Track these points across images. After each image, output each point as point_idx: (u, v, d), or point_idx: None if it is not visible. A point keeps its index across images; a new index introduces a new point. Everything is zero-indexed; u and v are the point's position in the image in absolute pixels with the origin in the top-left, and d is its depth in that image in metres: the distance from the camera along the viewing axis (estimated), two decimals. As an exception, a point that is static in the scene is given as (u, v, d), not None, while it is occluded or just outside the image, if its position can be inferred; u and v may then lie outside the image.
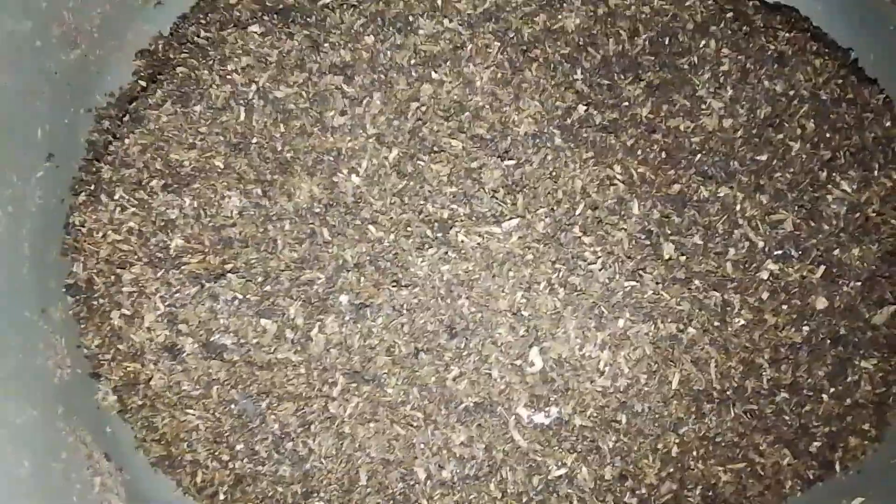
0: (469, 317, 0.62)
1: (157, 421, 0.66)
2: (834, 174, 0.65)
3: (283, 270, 0.64)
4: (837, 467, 0.66)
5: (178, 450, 0.66)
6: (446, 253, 0.63)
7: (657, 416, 0.63)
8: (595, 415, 0.63)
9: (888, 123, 0.66)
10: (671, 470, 0.64)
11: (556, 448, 0.63)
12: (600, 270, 0.62)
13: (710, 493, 0.65)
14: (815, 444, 0.65)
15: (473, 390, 0.62)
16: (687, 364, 0.63)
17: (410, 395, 0.62)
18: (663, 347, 0.63)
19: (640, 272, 0.63)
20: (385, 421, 0.62)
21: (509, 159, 0.64)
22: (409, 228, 0.64)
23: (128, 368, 0.65)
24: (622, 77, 0.66)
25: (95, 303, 0.66)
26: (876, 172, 0.65)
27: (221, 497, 0.66)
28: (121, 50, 0.71)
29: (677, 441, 0.64)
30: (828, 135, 0.65)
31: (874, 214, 0.65)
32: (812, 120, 0.65)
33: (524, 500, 0.63)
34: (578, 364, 0.62)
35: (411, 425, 0.62)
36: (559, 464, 0.63)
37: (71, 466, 0.61)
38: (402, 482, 0.63)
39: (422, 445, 0.62)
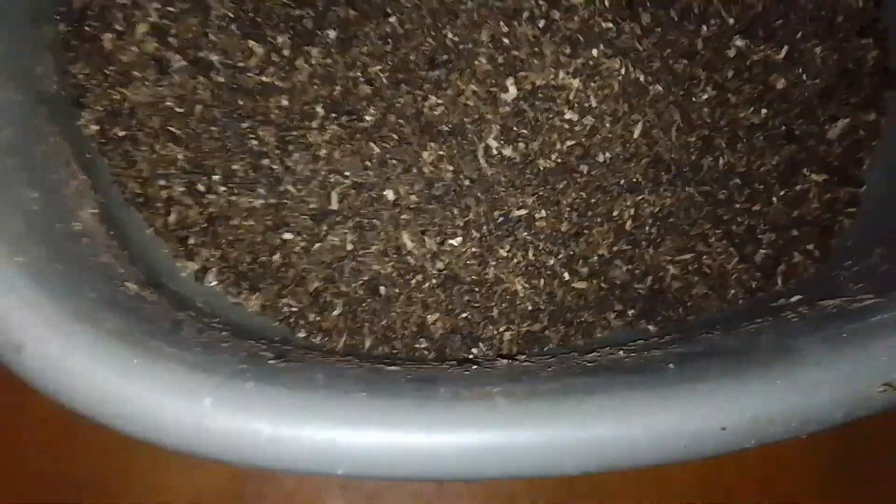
0: (451, 47, 0.64)
1: (136, 154, 0.66)
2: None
3: (275, 4, 0.64)
4: (779, 280, 0.68)
5: (153, 188, 0.67)
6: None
7: (617, 171, 0.65)
8: (559, 160, 0.64)
9: None
10: (624, 247, 0.66)
11: (520, 189, 0.64)
12: (582, 9, 0.64)
13: (657, 286, 0.67)
14: (762, 251, 0.68)
15: (448, 118, 0.64)
16: (650, 115, 0.65)
17: (387, 121, 0.64)
18: (631, 92, 0.64)
19: (619, 20, 0.65)
20: (361, 142, 0.64)
21: None
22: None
23: (113, 97, 0.66)
24: None
25: (87, 28, 0.66)
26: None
27: (192, 241, 0.67)
28: None
29: (632, 214, 0.66)
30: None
31: (842, 20, 0.68)
32: None
33: (484, 231, 0.65)
34: (550, 95, 0.63)
35: (385, 144, 0.64)
36: (520, 204, 0.65)
37: (48, 160, 0.61)
38: (371, 206, 0.64)
39: (394, 162, 0.64)
